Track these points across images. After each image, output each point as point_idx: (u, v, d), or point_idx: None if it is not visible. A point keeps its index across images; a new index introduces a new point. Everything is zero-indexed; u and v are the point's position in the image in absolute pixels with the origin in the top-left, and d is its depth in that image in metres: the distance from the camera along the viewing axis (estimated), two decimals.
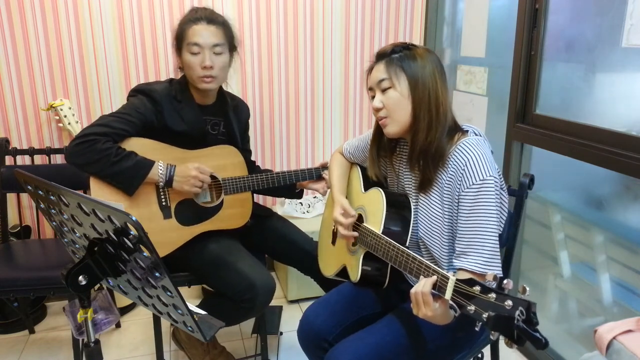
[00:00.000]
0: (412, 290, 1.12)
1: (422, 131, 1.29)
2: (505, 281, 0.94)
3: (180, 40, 1.76)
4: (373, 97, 1.36)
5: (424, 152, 1.30)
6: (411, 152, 1.34)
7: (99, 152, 1.60)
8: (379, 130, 1.44)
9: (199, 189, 1.74)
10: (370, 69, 1.37)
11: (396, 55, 1.31)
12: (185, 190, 1.73)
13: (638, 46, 1.61)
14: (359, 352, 1.31)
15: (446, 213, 1.29)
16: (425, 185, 1.33)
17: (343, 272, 1.54)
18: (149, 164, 1.67)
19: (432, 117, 1.28)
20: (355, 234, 1.45)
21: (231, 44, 1.80)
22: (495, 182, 1.23)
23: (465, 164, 1.24)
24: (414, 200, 1.38)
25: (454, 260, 1.26)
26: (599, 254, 1.85)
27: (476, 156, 1.24)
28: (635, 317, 1.08)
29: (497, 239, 1.23)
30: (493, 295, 0.94)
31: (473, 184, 1.22)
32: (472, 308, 0.97)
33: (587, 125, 1.79)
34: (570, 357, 1.98)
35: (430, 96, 1.28)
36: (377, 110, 1.34)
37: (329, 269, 1.63)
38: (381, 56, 1.34)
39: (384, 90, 1.31)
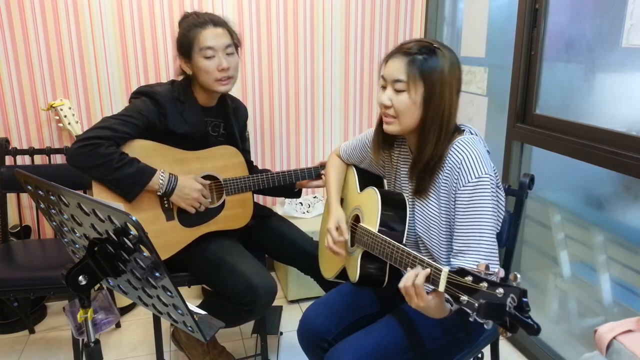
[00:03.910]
0: (401, 284, 1.12)
1: (430, 145, 1.27)
2: (496, 269, 0.94)
3: (188, 46, 1.74)
4: (383, 87, 1.31)
5: (427, 164, 1.29)
6: (414, 163, 1.32)
7: (102, 157, 1.59)
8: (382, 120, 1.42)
9: (195, 209, 1.76)
10: (388, 59, 1.30)
11: (420, 57, 1.24)
12: (182, 206, 1.74)
13: (638, 46, 1.61)
14: (359, 351, 1.31)
15: (443, 212, 1.29)
16: (421, 191, 1.34)
17: (343, 274, 1.54)
18: (150, 172, 1.66)
19: (442, 133, 1.27)
20: (342, 252, 1.46)
21: (236, 44, 1.81)
22: (491, 179, 1.23)
23: (461, 162, 1.24)
24: (411, 200, 1.39)
25: (451, 259, 1.26)
26: (599, 254, 1.85)
27: (472, 154, 1.24)
28: (635, 317, 1.08)
29: (494, 236, 1.23)
30: (485, 284, 0.94)
31: (469, 182, 1.22)
32: (464, 298, 0.97)
33: (587, 125, 1.79)
34: (570, 357, 1.98)
35: (444, 112, 1.26)
36: (384, 107, 1.30)
37: (328, 271, 1.63)
38: (405, 53, 1.26)
39: (396, 90, 1.27)
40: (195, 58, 1.74)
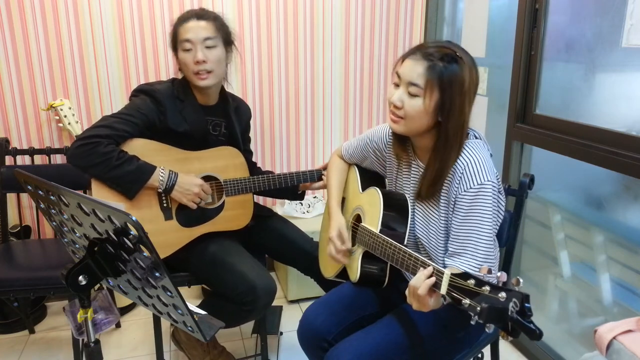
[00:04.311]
0: (411, 283, 1.11)
1: (453, 159, 1.25)
2: (498, 273, 0.94)
3: (174, 41, 1.78)
4: (396, 84, 1.27)
5: (445, 176, 1.27)
6: (436, 177, 1.28)
7: (101, 155, 1.60)
8: None
9: (196, 204, 1.75)
10: (405, 57, 1.26)
11: (441, 65, 1.19)
12: (183, 202, 1.74)
13: (638, 46, 1.61)
14: (359, 351, 1.31)
15: (442, 215, 1.29)
16: (426, 197, 1.33)
17: (343, 273, 1.54)
18: (149, 170, 1.67)
19: (462, 144, 1.26)
20: (346, 260, 1.45)
21: (225, 39, 1.80)
22: (493, 186, 1.22)
23: (465, 168, 1.24)
24: (411, 202, 1.38)
25: (446, 260, 1.26)
26: (599, 254, 1.85)
27: (476, 160, 1.24)
28: (635, 317, 1.08)
29: (491, 242, 1.23)
30: (487, 287, 0.94)
31: (471, 188, 1.22)
32: (466, 302, 0.97)
33: (587, 125, 1.79)
34: (570, 357, 1.98)
35: (464, 124, 1.24)
36: (394, 107, 1.26)
37: (328, 271, 1.63)
38: (425, 56, 1.21)
39: (410, 94, 1.23)
40: (178, 51, 1.77)
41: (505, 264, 1.54)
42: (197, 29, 1.73)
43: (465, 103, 1.22)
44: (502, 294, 0.91)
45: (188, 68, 1.74)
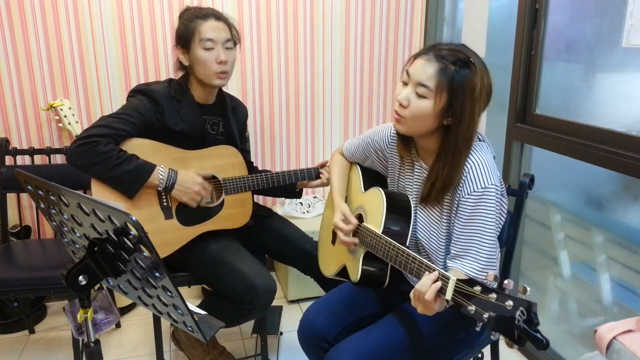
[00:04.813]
0: (417, 287, 1.10)
1: (463, 163, 1.23)
2: (505, 281, 0.94)
3: (187, 37, 1.76)
4: (404, 83, 1.25)
5: (448, 184, 1.26)
6: (444, 185, 1.26)
7: (100, 155, 1.60)
8: None
9: (197, 202, 1.75)
10: (417, 57, 1.24)
11: (453, 69, 1.18)
12: (183, 200, 1.73)
13: (638, 46, 1.61)
14: (360, 351, 1.31)
15: (444, 218, 1.29)
16: (431, 201, 1.32)
17: (343, 272, 1.54)
18: (149, 168, 1.67)
19: (469, 149, 1.25)
20: (356, 240, 1.43)
21: (235, 41, 1.83)
22: (497, 189, 1.22)
23: (468, 171, 1.23)
24: (413, 204, 1.38)
25: (448, 262, 1.26)
26: (599, 254, 1.85)
27: (479, 163, 1.23)
28: (635, 317, 1.08)
29: (494, 245, 1.23)
30: (494, 295, 0.93)
31: (474, 191, 1.21)
32: (472, 308, 0.96)
33: (587, 125, 1.79)
34: (570, 357, 1.98)
35: (473, 132, 1.24)
36: (400, 105, 1.25)
37: (329, 269, 1.63)
38: (438, 57, 1.19)
39: (418, 94, 1.21)
40: (194, 49, 1.75)
41: (505, 264, 1.54)
42: (218, 30, 1.75)
43: (476, 109, 1.21)
44: (509, 302, 0.90)
45: (207, 67, 1.74)
